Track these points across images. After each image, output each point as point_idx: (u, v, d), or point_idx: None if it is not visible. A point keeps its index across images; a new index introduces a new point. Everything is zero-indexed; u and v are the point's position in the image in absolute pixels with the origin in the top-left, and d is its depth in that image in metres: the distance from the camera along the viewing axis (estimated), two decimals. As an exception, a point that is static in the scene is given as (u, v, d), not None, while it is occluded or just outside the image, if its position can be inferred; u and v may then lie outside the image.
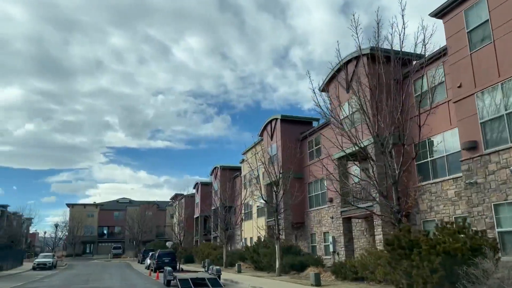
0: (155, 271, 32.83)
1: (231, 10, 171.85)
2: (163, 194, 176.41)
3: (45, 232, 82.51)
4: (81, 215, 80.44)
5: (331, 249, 25.31)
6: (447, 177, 17.41)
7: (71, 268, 45.92)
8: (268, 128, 32.80)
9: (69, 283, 24.16)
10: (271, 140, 31.92)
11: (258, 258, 26.55)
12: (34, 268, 43.41)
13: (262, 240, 28.88)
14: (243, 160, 44.28)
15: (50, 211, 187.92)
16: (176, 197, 71.77)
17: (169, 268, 20.29)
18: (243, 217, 41.69)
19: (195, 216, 58.12)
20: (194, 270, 23.57)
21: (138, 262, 54.76)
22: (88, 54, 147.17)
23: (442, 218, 17.57)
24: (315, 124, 30.81)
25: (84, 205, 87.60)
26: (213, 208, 49.38)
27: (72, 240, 79.11)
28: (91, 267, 47.83)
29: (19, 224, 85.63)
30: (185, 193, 62.02)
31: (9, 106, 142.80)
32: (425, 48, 13.33)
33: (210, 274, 19.85)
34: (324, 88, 23.96)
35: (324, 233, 27.08)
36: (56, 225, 58.30)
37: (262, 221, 36.82)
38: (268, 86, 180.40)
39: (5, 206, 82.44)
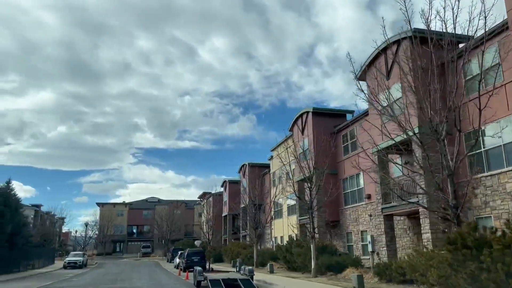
0: (184, 271, 31.98)
1: (256, 10, 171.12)
2: (191, 194, 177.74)
3: (76, 231, 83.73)
4: (110, 214, 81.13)
5: (369, 249, 23.66)
6: (506, 169, 15.59)
7: (100, 267, 45.82)
8: (299, 122, 31.38)
9: (97, 283, 23.51)
10: (302, 134, 30.49)
11: (291, 258, 25.21)
12: (64, 267, 43.47)
13: (295, 239, 27.50)
14: (271, 157, 43.00)
15: (82, 211, 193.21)
16: (204, 195, 71.21)
17: (199, 268, 19.22)
18: (273, 216, 40.39)
19: (223, 215, 57.26)
20: (225, 270, 22.46)
21: (167, 261, 54.33)
22: (117, 57, 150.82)
23: (500, 214, 15.77)
24: (348, 117, 29.20)
25: (114, 204, 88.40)
26: (242, 206, 48.36)
27: (102, 239, 79.83)
28: (120, 266, 47.65)
29: (52, 223, 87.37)
30: (213, 192, 61.34)
31: (42, 110, 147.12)
32: (485, 19, 11.66)
33: (242, 275, 18.68)
34: (361, 77, 22.37)
35: (362, 231, 25.46)
36: (86, 224, 58.89)
37: (293, 219, 35.42)
38: (293, 85, 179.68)
39: (38, 206, 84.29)
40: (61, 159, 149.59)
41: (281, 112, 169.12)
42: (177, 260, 39.94)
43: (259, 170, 45.05)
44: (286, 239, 37.27)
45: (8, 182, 38.74)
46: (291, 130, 33.12)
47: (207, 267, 23.27)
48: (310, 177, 22.90)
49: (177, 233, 74.10)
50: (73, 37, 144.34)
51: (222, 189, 60.12)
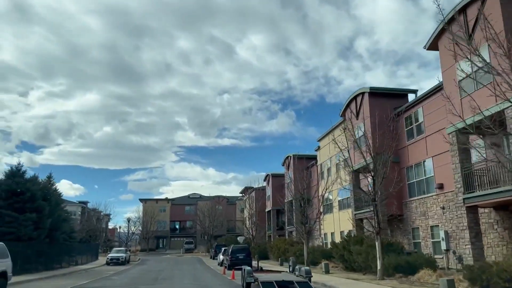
0: (229, 269, 29.80)
1: (293, 5, 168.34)
2: (231, 190, 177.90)
3: (119, 227, 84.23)
4: (153, 210, 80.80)
5: (443, 247, 20.33)
6: None
7: (143, 264, 44.59)
8: (352, 105, 28.22)
9: (137, 283, 21.64)
10: (357, 119, 27.32)
11: (349, 257, 22.25)
12: (107, 263, 42.55)
13: (352, 235, 24.48)
14: (318, 148, 39.97)
15: (127, 208, 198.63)
16: (246, 190, 69.08)
17: (249, 268, 16.72)
18: (322, 211, 37.39)
19: (266, 210, 54.79)
20: (276, 270, 19.85)
21: (211, 257, 52.62)
22: (158, 58, 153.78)
23: None
24: (411, 97, 25.77)
25: (156, 200, 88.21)
26: (287, 200, 45.65)
27: (145, 235, 79.71)
28: (163, 262, 46.31)
29: (99, 219, 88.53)
30: (255, 186, 59.01)
31: (89, 111, 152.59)
32: None
33: (297, 276, 16.01)
34: (432, 46, 19.07)
35: (432, 227, 22.06)
36: (128, 220, 58.37)
37: (345, 214, 32.34)
38: (333, 79, 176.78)
39: (85, 203, 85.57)
40: (107, 158, 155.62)
41: (320, 107, 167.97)
42: (220, 257, 37.91)
43: (306, 162, 42.11)
44: (337, 235, 34.23)
45: (49, 177, 38.07)
46: (342, 115, 30.03)
47: (257, 266, 20.75)
48: (372, 164, 19.81)
49: (220, 229, 72.52)
50: (116, 40, 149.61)
51: (264, 183, 57.69)
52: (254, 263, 25.57)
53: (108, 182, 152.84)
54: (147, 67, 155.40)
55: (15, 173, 28.47)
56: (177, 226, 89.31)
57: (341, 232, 33.47)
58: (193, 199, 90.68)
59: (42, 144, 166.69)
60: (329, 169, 36.66)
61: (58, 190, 38.04)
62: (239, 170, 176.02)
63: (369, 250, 20.54)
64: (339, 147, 21.53)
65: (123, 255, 43.39)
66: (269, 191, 54.68)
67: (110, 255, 43.77)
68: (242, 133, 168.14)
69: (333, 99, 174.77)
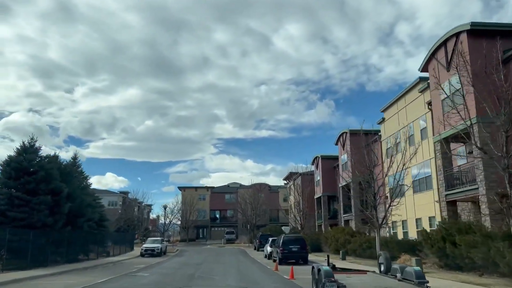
0: (280, 263, 24.41)
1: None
2: (270, 181, 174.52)
3: (158, 216, 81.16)
4: (192, 198, 76.78)
5: None
6: None
7: (180, 255, 40.08)
8: (440, 54, 21.73)
9: (166, 282, 16.64)
10: (448, 70, 20.86)
11: (453, 251, 16.11)
12: (142, 255, 38.38)
13: (451, 221, 18.24)
14: (382, 120, 33.58)
15: (170, 199, 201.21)
16: (290, 176, 63.39)
17: (326, 268, 11.03)
18: (391, 194, 31.13)
19: (316, 197, 48.91)
20: (358, 270, 14.04)
21: (255, 249, 47.51)
22: (196, 52, 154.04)
23: None
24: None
25: (196, 188, 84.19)
26: (341, 184, 39.58)
27: (185, 224, 75.96)
28: (202, 253, 41.64)
29: (140, 209, 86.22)
30: (301, 171, 53.25)
31: (131, 105, 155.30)
32: None
33: (400, 280, 10.23)
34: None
35: None
36: (165, 207, 54.08)
37: (424, 197, 26.03)
38: (373, 67, 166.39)
39: (125, 193, 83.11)
40: (149, 151, 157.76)
41: (360, 96, 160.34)
42: (268, 248, 32.59)
43: (365, 139, 35.78)
44: (410, 224, 27.94)
45: (74, 158, 34.00)
46: (424, 70, 23.60)
47: (327, 262, 14.96)
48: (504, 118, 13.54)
49: (262, 218, 67.38)
50: (155, 35, 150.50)
51: (312, 167, 51.76)
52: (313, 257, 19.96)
53: (151, 175, 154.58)
54: (185, 61, 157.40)
55: (27, 149, 24.16)
56: (217, 216, 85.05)
57: (417, 220, 27.18)
58: (233, 188, 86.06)
59: (88, 139, 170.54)
60: (397, 144, 30.23)
61: (85, 173, 33.98)
62: (277, 161, 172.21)
63: (484, 242, 14.39)
64: (441, 89, 15.24)
65: (159, 245, 39.05)
66: (318, 176, 48.76)
67: (144, 245, 39.56)
68: (279, 124, 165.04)
69: (373, 87, 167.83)
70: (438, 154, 21.67)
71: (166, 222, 64.47)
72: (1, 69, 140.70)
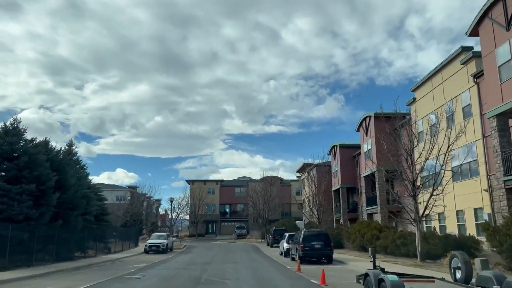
0: (301, 261, 21.02)
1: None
2: (281, 176, 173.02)
3: (165, 211, 78.25)
4: (201, 192, 73.60)
5: None
6: None
7: (188, 252, 36.92)
8: (497, 10, 18.00)
9: (166, 286, 13.32)
10: (508, 29, 17.11)
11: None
12: (146, 251, 35.30)
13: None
14: (413, 100, 29.86)
15: (178, 193, 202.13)
16: (304, 168, 59.78)
17: (394, 279, 7.54)
18: (421, 185, 27.49)
19: (333, 189, 45.28)
20: (423, 276, 10.45)
21: (268, 245, 44.19)
22: (204, 47, 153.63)
23: None
24: None
25: (204, 181, 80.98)
26: (364, 174, 35.95)
27: (194, 219, 72.88)
28: (212, 250, 38.41)
29: (149, 205, 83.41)
30: (316, 162, 49.56)
31: (140, 102, 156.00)
32: None
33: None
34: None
35: None
36: (171, 200, 50.68)
37: (469, 185, 22.37)
38: (383, 61, 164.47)
39: (134, 188, 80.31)
40: (159, 147, 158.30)
41: (370, 90, 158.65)
42: (284, 245, 29.20)
43: (390, 124, 32.11)
44: (451, 218, 24.25)
45: (70, 145, 30.87)
46: (473, 34, 19.87)
47: (373, 265, 11.44)
48: None
49: (274, 213, 63.85)
50: (164, 31, 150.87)
51: (329, 158, 48.14)
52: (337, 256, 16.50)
53: (161, 170, 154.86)
54: (194, 56, 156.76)
55: (9, 131, 20.92)
56: (227, 210, 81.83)
57: (458, 212, 23.52)
58: (243, 181, 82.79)
59: (98, 135, 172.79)
60: (432, 126, 26.51)
61: (82, 162, 30.84)
62: (287, 156, 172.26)
63: None
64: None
65: (164, 241, 35.90)
66: (336, 166, 45.12)
67: (148, 241, 36.45)
68: (289, 120, 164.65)
69: (384, 82, 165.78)
70: (493, 132, 17.97)
71: (173, 217, 61.18)
72: (13, 66, 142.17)
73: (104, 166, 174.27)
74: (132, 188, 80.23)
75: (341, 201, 42.98)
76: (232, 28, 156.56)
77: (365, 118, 35.40)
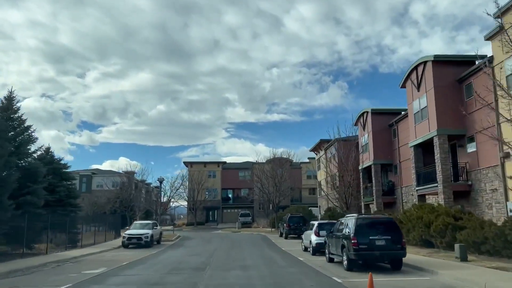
0: (351, 266, 12.51)
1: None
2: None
3: (161, 193, 69.68)
4: (201, 175, 64.96)
5: None
6: None
7: (179, 246, 28.40)
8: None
9: None
10: None
11: None
12: (124, 245, 26.96)
13: None
14: (499, 30, 20.69)
15: (175, 176, 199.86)
16: (320, 145, 51.00)
17: None
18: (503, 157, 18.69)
19: (361, 167, 36.16)
20: None
21: (281, 235, 35.65)
22: (206, 35, 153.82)
23: None
24: None
25: (204, 163, 72.18)
26: (414, 143, 26.94)
27: (192, 205, 64.43)
28: (211, 243, 29.92)
29: (149, 192, 75.74)
30: (334, 137, 40.47)
31: (143, 90, 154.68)
32: None
33: None
34: None
35: None
36: (161, 180, 41.08)
37: None
38: (386, 48, 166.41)
39: (131, 173, 71.89)
40: (162, 135, 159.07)
41: (373, 78, 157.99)
42: (312, 237, 20.58)
43: (453, 72, 23.16)
44: None
45: (9, 99, 22.07)
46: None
47: None
48: None
49: (284, 198, 55.16)
50: (165, 19, 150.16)
51: (356, 129, 39.14)
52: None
53: (163, 159, 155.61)
54: (196, 44, 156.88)
55: None
56: (230, 195, 73.24)
57: None
58: (247, 163, 73.98)
59: (101, 123, 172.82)
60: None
61: (26, 120, 22.01)
62: (289, 145, 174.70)
63: None
64: None
65: (148, 232, 27.39)
66: (365, 139, 36.21)
67: (127, 232, 27.89)
68: (291, 108, 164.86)
69: (387, 69, 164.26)
70: None
71: (164, 201, 52.87)
72: (14, 55, 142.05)
73: (107, 155, 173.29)
74: (129, 173, 71.91)
75: (374, 181, 34.17)
76: (234, 15, 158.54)
77: (416, 67, 26.10)
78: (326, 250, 17.26)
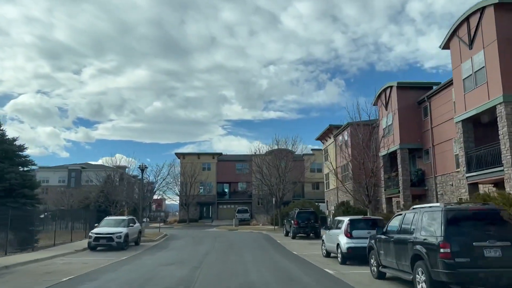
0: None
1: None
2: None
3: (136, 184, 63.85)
4: (194, 168, 58.89)
5: None
6: None
7: (162, 248, 22.41)
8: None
9: None
10: None
11: None
12: (90, 247, 21.05)
13: None
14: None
15: (164, 168, 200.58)
16: (329, 132, 45.19)
17: None
18: None
19: (383, 153, 30.22)
20: None
21: (287, 235, 29.70)
22: (203, 32, 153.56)
23: None
24: None
25: (198, 154, 66.15)
26: (464, 115, 20.99)
27: (185, 201, 58.43)
28: (203, 244, 24.00)
29: (121, 180, 69.79)
30: (345, 122, 34.58)
31: (139, 87, 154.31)
32: None
33: None
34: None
35: None
36: (142, 168, 34.25)
37: None
38: (383, 46, 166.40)
39: (123, 168, 65.89)
40: (158, 132, 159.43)
41: (369, 76, 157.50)
42: (342, 239, 14.64)
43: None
44: None
45: None
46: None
47: None
48: None
49: (287, 192, 49.17)
50: (162, 15, 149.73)
51: (376, 110, 33.15)
52: None
53: (159, 156, 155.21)
54: (192, 41, 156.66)
55: None
56: (226, 190, 67.26)
57: None
58: (245, 155, 67.85)
59: (97, 120, 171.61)
60: None
61: None
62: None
63: None
64: None
65: (122, 230, 21.46)
66: (388, 119, 30.27)
67: (95, 230, 21.86)
68: (288, 105, 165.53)
69: (384, 67, 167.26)
70: None
71: (145, 192, 47.03)
72: (9, 50, 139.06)
73: (103, 152, 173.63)
74: (121, 168, 65.83)
75: (400, 169, 28.29)
76: (231, 12, 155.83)
77: (467, 18, 20.27)
78: (373, 260, 11.38)
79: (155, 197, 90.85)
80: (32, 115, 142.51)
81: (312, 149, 64.34)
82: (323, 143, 49.54)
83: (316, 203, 45.56)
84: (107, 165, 56.86)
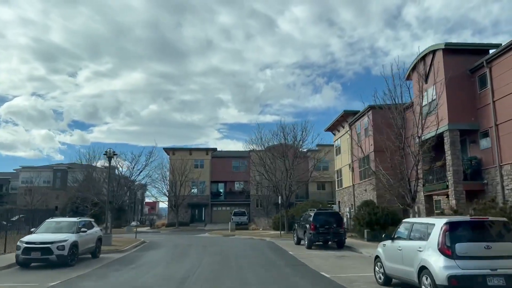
0: None
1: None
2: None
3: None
4: (185, 165, 51.89)
5: None
6: None
7: (126, 264, 15.38)
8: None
9: None
10: None
11: None
12: (19, 262, 14.10)
13: None
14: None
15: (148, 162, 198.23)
16: (342, 121, 38.42)
17: None
18: None
19: (426, 137, 23.34)
20: None
21: (299, 243, 22.72)
22: (199, 35, 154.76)
23: None
24: None
25: (190, 150, 59.03)
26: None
27: (174, 202, 51.33)
28: (187, 258, 17.14)
29: (131, 189, 63.06)
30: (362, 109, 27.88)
31: (135, 90, 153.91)
32: None
33: None
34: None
35: None
36: (109, 156, 25.98)
37: None
38: (379, 51, 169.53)
39: (113, 168, 58.69)
40: (154, 135, 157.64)
41: (365, 80, 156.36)
42: (435, 261, 7.85)
43: None
44: None
45: None
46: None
47: None
48: None
49: (297, 188, 42.13)
50: (158, 18, 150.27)
51: (411, 84, 26.29)
52: None
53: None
54: (189, 44, 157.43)
55: None
56: (221, 190, 60.15)
57: None
58: (243, 151, 60.88)
59: (92, 123, 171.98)
60: None
61: None
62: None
63: None
64: None
65: (65, 238, 14.59)
66: (428, 95, 23.42)
67: (26, 238, 14.87)
68: (284, 109, 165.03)
69: (379, 72, 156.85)
70: None
71: (117, 189, 40.10)
72: (4, 52, 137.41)
73: (98, 155, 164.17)
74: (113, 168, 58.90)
75: (450, 156, 21.47)
76: (228, 15, 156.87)
77: None
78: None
79: (147, 200, 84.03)
80: (26, 118, 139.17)
81: (317, 145, 57.50)
82: (334, 134, 42.73)
83: (329, 205, 38.78)
84: (94, 165, 49.94)
